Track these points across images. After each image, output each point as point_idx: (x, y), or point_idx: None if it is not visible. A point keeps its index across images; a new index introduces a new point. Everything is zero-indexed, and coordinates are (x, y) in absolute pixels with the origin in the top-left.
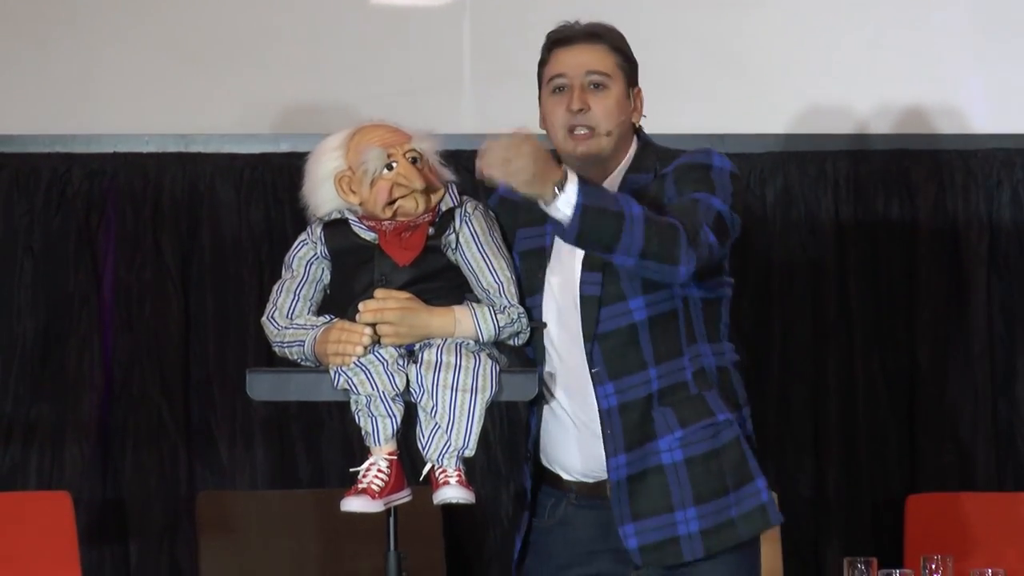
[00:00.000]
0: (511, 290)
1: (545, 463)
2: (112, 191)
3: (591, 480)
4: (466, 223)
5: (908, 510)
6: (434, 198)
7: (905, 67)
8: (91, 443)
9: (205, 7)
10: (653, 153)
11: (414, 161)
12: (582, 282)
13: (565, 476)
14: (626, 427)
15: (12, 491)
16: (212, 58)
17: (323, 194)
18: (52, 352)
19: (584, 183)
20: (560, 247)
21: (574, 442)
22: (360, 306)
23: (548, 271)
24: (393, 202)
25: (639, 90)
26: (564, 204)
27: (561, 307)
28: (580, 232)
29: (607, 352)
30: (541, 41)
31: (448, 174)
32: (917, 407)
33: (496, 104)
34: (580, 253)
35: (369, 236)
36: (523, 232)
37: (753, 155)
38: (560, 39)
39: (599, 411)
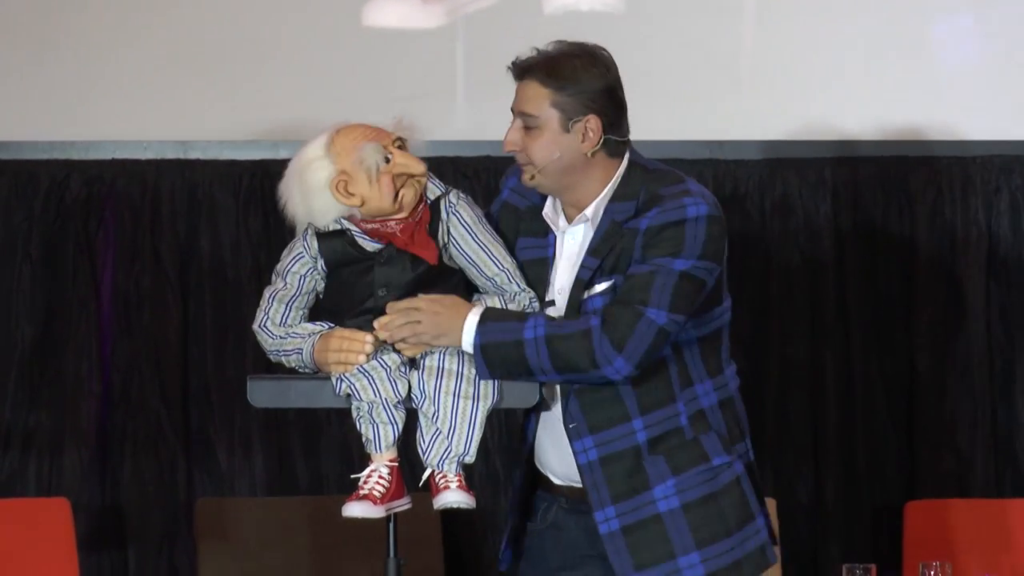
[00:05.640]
0: (518, 275)
1: (539, 466)
2: (111, 197)
3: (578, 485)
4: (454, 214)
5: (907, 517)
6: (424, 182)
7: (904, 74)
8: (90, 450)
9: (204, 14)
10: (640, 176)
11: (401, 148)
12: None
13: (555, 480)
14: (611, 478)
15: (11, 498)
16: (211, 65)
17: (322, 204)
18: (51, 359)
19: (484, 318)
20: (560, 259)
21: (560, 445)
22: (378, 323)
23: (550, 283)
24: (397, 194)
25: (590, 117)
26: (467, 345)
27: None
28: (489, 367)
29: (585, 406)
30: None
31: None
32: (916, 414)
33: (489, 110)
34: (578, 267)
35: (373, 247)
36: (524, 241)
37: (751, 162)
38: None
39: (577, 465)
